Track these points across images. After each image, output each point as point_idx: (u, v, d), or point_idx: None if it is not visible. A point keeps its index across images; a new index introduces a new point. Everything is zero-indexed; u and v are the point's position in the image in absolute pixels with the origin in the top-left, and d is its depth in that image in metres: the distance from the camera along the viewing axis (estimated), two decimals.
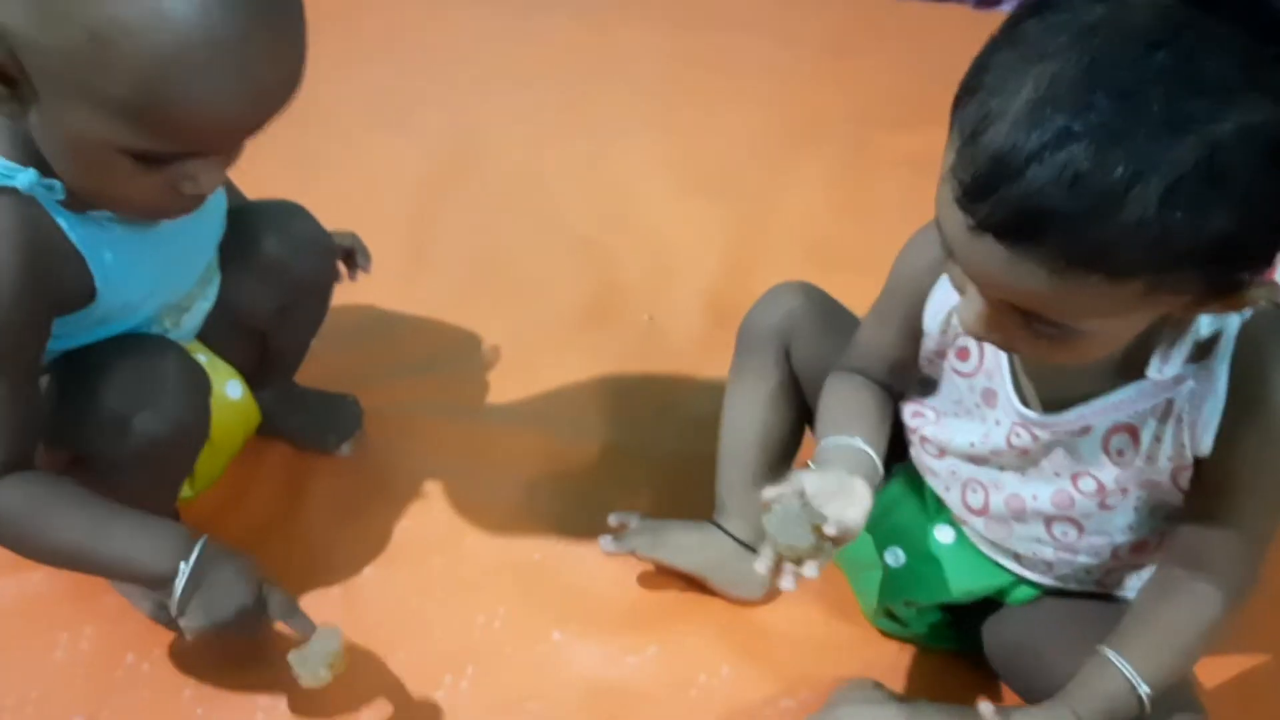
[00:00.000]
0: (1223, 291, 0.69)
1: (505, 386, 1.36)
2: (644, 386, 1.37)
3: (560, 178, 1.69)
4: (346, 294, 1.23)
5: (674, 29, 2.07)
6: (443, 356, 1.40)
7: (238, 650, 0.99)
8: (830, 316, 1.09)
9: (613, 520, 1.10)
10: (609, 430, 1.31)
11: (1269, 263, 0.69)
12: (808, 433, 1.13)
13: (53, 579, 1.10)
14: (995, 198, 0.64)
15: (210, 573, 0.88)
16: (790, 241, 1.59)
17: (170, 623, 1.05)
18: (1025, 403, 0.87)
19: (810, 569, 0.86)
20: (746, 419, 1.11)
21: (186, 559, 0.87)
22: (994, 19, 0.69)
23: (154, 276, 0.94)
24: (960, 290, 0.76)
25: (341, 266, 1.20)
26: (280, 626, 0.94)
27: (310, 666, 0.92)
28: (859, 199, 1.67)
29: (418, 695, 1.03)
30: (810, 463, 0.94)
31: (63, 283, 0.86)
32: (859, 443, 0.93)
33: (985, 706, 0.86)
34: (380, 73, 1.90)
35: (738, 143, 1.78)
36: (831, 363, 1.04)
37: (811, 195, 1.67)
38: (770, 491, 0.87)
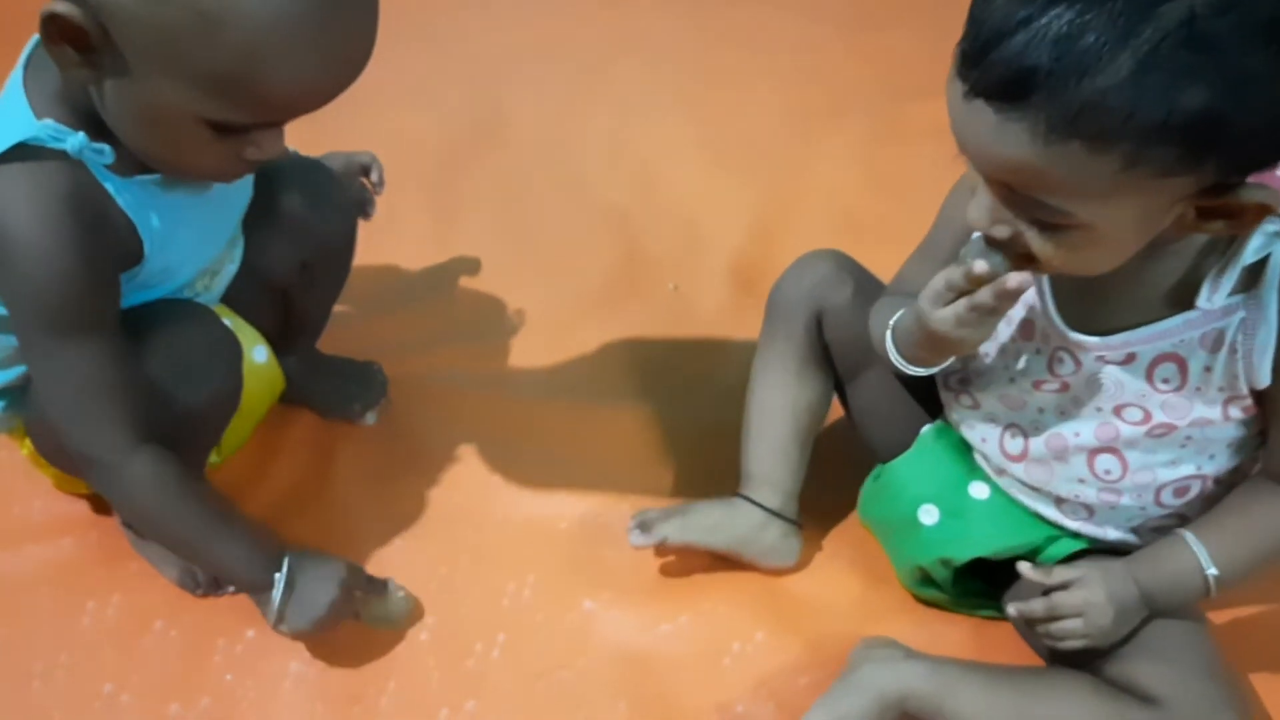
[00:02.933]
0: (1216, 192, 0.70)
1: (531, 356, 1.35)
2: (671, 356, 1.36)
3: (585, 150, 1.68)
4: (371, 261, 1.22)
5: (693, 4, 2.04)
6: (468, 326, 1.39)
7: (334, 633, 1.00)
8: (862, 285, 1.08)
9: (633, 523, 1.07)
10: (636, 400, 1.29)
11: (1257, 161, 0.69)
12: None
13: (79, 546, 1.10)
14: (986, 62, 0.67)
15: (300, 578, 0.95)
16: (817, 212, 1.57)
17: (197, 588, 1.06)
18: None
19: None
20: (776, 388, 1.10)
21: (279, 569, 0.95)
22: None
23: (195, 239, 0.94)
24: (971, 190, 0.78)
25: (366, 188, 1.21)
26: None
27: (393, 619, 1.03)
28: (887, 170, 1.64)
29: (449, 663, 1.02)
30: (889, 328, 0.94)
31: (114, 246, 0.86)
32: None
33: (1024, 565, 0.90)
34: (403, 48, 1.88)
35: (763, 116, 1.75)
36: (864, 327, 1.03)
37: (839, 167, 1.65)
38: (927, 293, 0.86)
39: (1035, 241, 0.76)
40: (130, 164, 0.84)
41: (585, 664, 1.02)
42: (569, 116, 1.75)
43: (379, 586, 1.02)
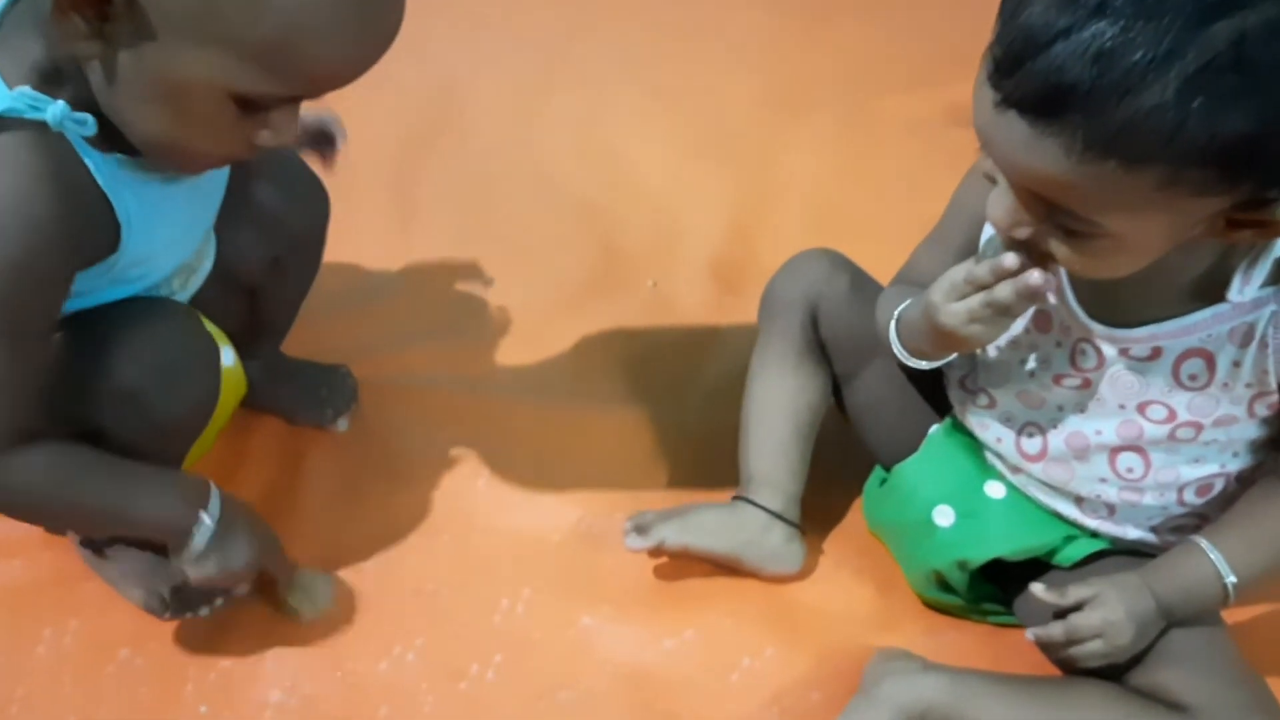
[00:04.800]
0: (1249, 206, 0.68)
1: (507, 356, 1.29)
2: (653, 355, 1.31)
3: (550, 138, 1.62)
4: (332, 258, 1.15)
5: None
6: (439, 325, 1.33)
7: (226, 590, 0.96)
8: (857, 282, 1.07)
9: (629, 526, 1.03)
10: (620, 400, 1.24)
11: None
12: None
13: (30, 568, 1.02)
14: (1021, 72, 0.65)
15: (226, 522, 0.89)
16: (792, 206, 1.54)
17: (164, 611, 0.98)
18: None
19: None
20: (774, 388, 1.08)
21: (207, 509, 0.88)
22: None
23: (173, 229, 0.88)
24: (992, 181, 0.76)
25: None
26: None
27: (313, 604, 0.99)
28: (858, 163, 1.62)
29: (442, 687, 0.96)
30: (892, 326, 0.93)
31: (91, 229, 0.80)
32: None
33: (1037, 586, 0.89)
34: None
35: (732, 106, 1.72)
36: (860, 324, 1.02)
37: (810, 159, 1.62)
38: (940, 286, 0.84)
39: (1057, 245, 0.74)
40: (113, 143, 0.78)
41: (588, 683, 0.97)
42: (530, 103, 1.69)
43: (287, 569, 0.98)
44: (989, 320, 0.82)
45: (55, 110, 0.74)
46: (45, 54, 0.74)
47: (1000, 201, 0.75)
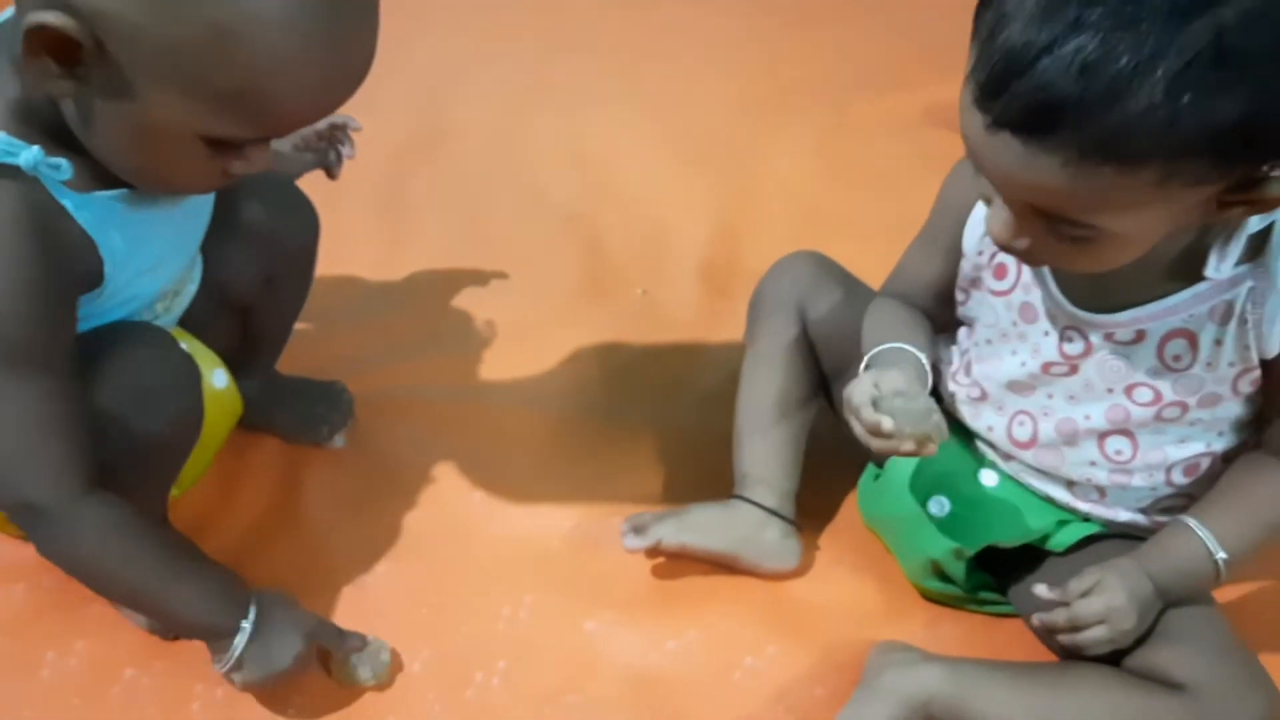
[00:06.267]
0: (1242, 186, 0.70)
1: (502, 366, 1.30)
2: (646, 362, 1.32)
3: (537, 151, 1.63)
4: (323, 274, 1.16)
5: (633, 1, 2.01)
6: (432, 338, 1.33)
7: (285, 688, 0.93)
8: (841, 280, 1.10)
9: (626, 527, 1.04)
10: (614, 407, 1.25)
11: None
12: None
13: (32, 592, 1.02)
14: (1009, 93, 0.66)
15: (266, 625, 0.88)
16: (778, 209, 1.55)
17: (168, 632, 0.99)
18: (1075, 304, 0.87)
19: (932, 447, 0.86)
20: (765, 388, 1.09)
21: (247, 616, 0.87)
22: None
23: (158, 256, 0.88)
24: (987, 201, 0.78)
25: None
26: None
27: (367, 673, 0.95)
28: (841, 165, 1.64)
29: (449, 695, 0.96)
30: (861, 366, 0.95)
31: (74, 267, 0.80)
32: (910, 348, 0.94)
33: (1040, 587, 0.89)
34: None
35: (715, 113, 1.73)
36: (847, 323, 1.05)
37: (794, 163, 1.64)
38: (860, 392, 0.87)
39: (1058, 250, 0.76)
40: (90, 179, 0.78)
41: (594, 687, 0.97)
42: (516, 118, 1.71)
43: (354, 641, 0.95)
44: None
45: (28, 156, 0.74)
46: (20, 91, 0.74)
47: (998, 218, 0.76)
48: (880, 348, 0.95)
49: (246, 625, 0.87)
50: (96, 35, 0.67)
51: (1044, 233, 0.74)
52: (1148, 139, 0.65)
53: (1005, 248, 0.78)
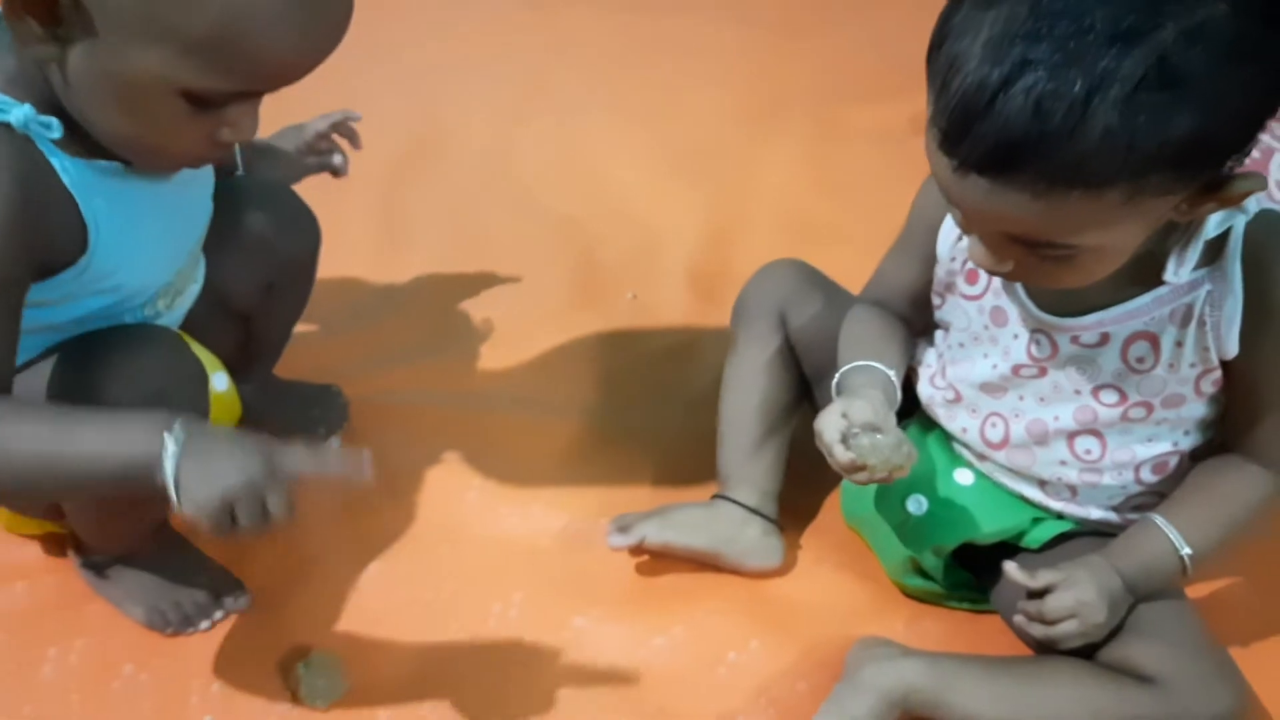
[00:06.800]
0: (1208, 188, 0.73)
1: (493, 371, 1.33)
2: (635, 365, 1.34)
3: (530, 160, 1.66)
4: (322, 282, 1.18)
5: (623, 13, 2.04)
6: (425, 343, 1.36)
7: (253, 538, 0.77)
8: (822, 287, 1.13)
9: (612, 527, 1.07)
10: (604, 409, 1.28)
11: (1244, 153, 0.72)
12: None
13: (33, 591, 1.04)
14: (970, 137, 0.69)
15: (202, 441, 0.74)
16: (767, 216, 1.58)
17: (166, 627, 1.01)
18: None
19: (902, 473, 0.89)
20: (746, 391, 1.12)
21: (170, 431, 0.73)
22: None
23: (148, 240, 0.89)
24: (966, 232, 0.80)
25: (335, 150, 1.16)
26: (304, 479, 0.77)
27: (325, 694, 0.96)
28: (829, 173, 1.66)
29: (441, 689, 0.99)
30: (834, 382, 0.98)
31: (54, 225, 0.80)
32: (880, 365, 0.97)
33: (1009, 565, 0.91)
34: (340, 64, 1.84)
35: (704, 122, 1.76)
36: (827, 328, 1.07)
37: (784, 170, 1.66)
38: (829, 428, 0.89)
39: (1042, 269, 0.79)
40: (84, 148, 0.80)
41: (582, 683, 0.99)
42: (509, 129, 1.74)
43: (331, 463, 0.78)
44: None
45: (20, 113, 0.76)
46: (11, 58, 0.76)
47: (977, 249, 0.79)
48: (850, 365, 0.98)
49: (169, 439, 0.72)
50: None
51: (1025, 255, 0.77)
52: (1109, 163, 0.67)
53: (991, 272, 0.81)
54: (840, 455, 0.89)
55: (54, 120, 0.77)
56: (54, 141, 0.79)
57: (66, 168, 0.80)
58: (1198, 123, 0.67)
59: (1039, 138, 0.66)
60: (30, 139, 0.78)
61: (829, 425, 0.90)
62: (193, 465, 0.72)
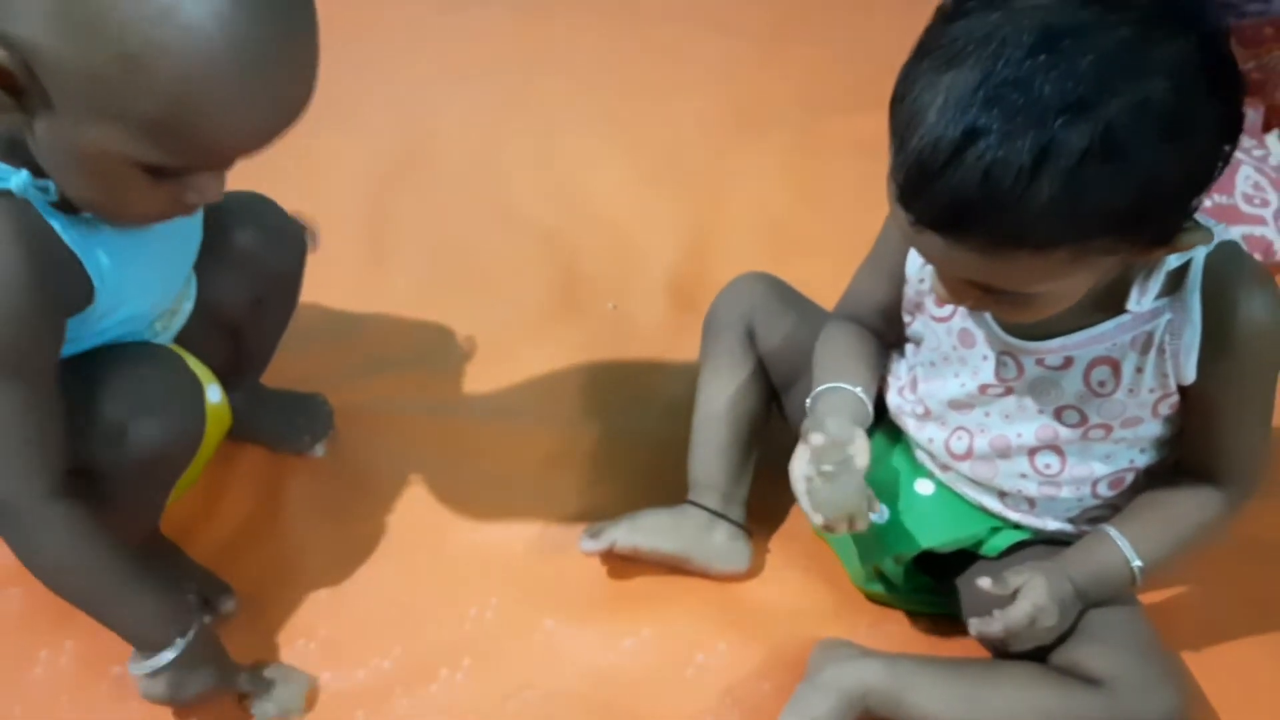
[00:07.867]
0: (1154, 243, 0.77)
1: (475, 380, 1.36)
2: (614, 374, 1.37)
3: (513, 171, 1.68)
4: (307, 293, 1.22)
5: (608, 22, 2.05)
6: (408, 352, 1.39)
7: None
8: (788, 300, 1.17)
9: (585, 533, 1.11)
10: (583, 418, 1.31)
11: (1186, 215, 0.76)
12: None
13: (26, 595, 1.07)
14: (924, 198, 0.72)
15: (193, 654, 0.92)
16: (746, 227, 1.60)
17: None
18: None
19: (863, 523, 0.94)
20: (716, 400, 1.15)
21: (185, 636, 0.91)
22: (928, 5, 0.75)
23: (148, 276, 0.93)
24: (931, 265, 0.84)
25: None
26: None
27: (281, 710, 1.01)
28: (811, 184, 1.69)
29: (415, 690, 1.02)
30: (808, 402, 1.01)
31: (63, 285, 0.85)
32: (849, 387, 1.00)
33: (983, 580, 0.94)
34: (324, 76, 1.86)
35: (687, 131, 1.78)
36: (793, 340, 1.12)
37: (764, 181, 1.69)
38: (798, 476, 0.94)
39: (999, 307, 0.84)
40: (73, 203, 0.83)
41: (552, 682, 1.03)
42: (494, 139, 1.76)
43: (263, 684, 0.99)
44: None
45: (18, 180, 0.79)
46: (4, 125, 0.78)
47: (940, 287, 0.85)
48: (822, 388, 1.02)
49: (180, 643, 0.91)
50: (29, 66, 0.69)
51: (982, 296, 0.81)
52: (1053, 229, 0.71)
53: (954, 305, 0.86)
54: (805, 510, 0.94)
55: (49, 184, 0.80)
56: (51, 204, 0.82)
57: (65, 227, 0.83)
58: (1138, 195, 0.70)
59: (987, 203, 0.70)
60: (30, 203, 0.81)
61: (797, 471, 0.95)
62: (174, 673, 0.92)
